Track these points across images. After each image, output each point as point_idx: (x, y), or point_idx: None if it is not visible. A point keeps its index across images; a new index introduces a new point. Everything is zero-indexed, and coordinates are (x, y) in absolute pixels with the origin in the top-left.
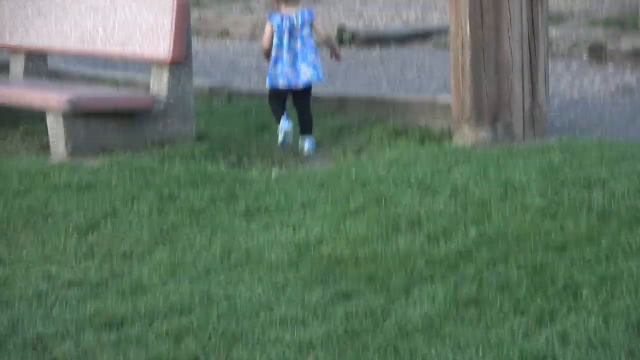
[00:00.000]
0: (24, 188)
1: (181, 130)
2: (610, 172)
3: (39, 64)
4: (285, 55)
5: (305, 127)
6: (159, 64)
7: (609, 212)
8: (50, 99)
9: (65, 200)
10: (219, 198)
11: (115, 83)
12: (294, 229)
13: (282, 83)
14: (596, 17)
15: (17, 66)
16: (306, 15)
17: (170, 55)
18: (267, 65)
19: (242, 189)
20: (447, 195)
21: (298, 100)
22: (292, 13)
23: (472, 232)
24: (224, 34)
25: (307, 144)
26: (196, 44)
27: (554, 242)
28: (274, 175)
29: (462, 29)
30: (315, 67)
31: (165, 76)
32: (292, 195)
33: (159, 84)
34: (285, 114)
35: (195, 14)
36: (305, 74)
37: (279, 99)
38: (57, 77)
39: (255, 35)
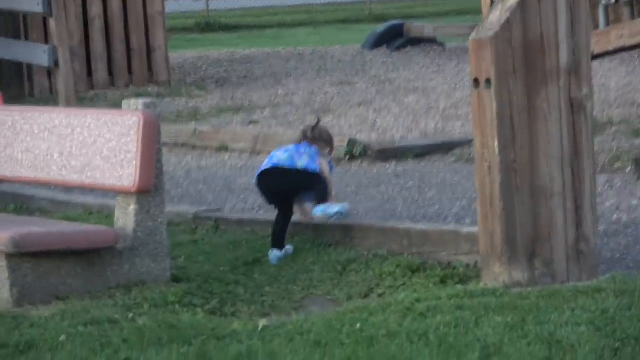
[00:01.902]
0: None
1: (152, 270)
2: None
3: None
4: None
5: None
6: (124, 193)
7: None
8: None
9: None
10: None
11: (87, 211)
12: None
13: None
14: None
15: None
16: None
17: (137, 183)
18: None
19: (217, 350)
20: (476, 357)
21: None
22: None
23: None
24: (222, 148)
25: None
26: (190, 161)
27: None
28: (260, 326)
29: (488, 149)
30: None
31: (131, 208)
32: (278, 359)
33: (124, 217)
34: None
35: (190, 128)
36: None
37: None
38: (20, 202)
39: (256, 149)
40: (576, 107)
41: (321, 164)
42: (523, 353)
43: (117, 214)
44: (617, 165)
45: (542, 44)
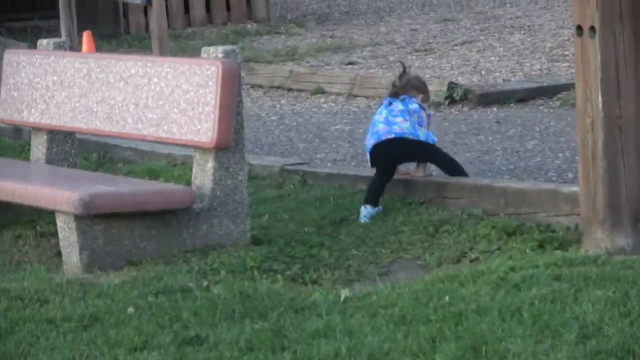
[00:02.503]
0: (9, 324)
1: (231, 232)
2: None
3: (64, 145)
4: None
5: None
6: (201, 149)
7: None
8: (59, 197)
9: (53, 345)
10: (258, 344)
11: (170, 162)
12: None
13: None
14: None
15: (38, 148)
16: None
17: (215, 138)
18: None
19: (294, 326)
20: (573, 338)
21: None
22: None
23: None
24: (318, 91)
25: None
26: (284, 104)
27: None
28: (342, 297)
29: (592, 103)
30: None
31: (209, 165)
32: (358, 338)
33: (202, 175)
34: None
35: (286, 68)
36: None
37: None
38: (103, 151)
39: (352, 92)
40: None
41: (416, 124)
42: (625, 334)
43: (195, 171)
44: None
45: None
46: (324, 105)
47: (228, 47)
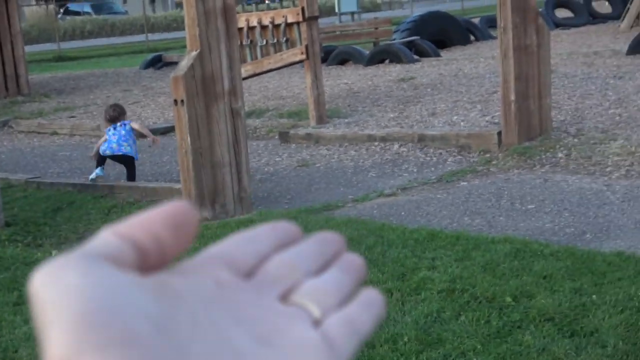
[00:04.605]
0: None
1: None
2: None
3: None
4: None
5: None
6: None
7: None
8: None
9: None
10: (1, 287)
11: None
12: None
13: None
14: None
15: None
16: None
17: None
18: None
19: (23, 276)
20: None
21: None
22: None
23: None
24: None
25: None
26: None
27: None
28: (53, 254)
29: (185, 141)
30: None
31: None
32: None
33: None
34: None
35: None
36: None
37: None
38: None
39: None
40: (235, 113)
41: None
42: None
43: None
44: (270, 135)
45: (213, 76)
46: (58, 141)
47: None
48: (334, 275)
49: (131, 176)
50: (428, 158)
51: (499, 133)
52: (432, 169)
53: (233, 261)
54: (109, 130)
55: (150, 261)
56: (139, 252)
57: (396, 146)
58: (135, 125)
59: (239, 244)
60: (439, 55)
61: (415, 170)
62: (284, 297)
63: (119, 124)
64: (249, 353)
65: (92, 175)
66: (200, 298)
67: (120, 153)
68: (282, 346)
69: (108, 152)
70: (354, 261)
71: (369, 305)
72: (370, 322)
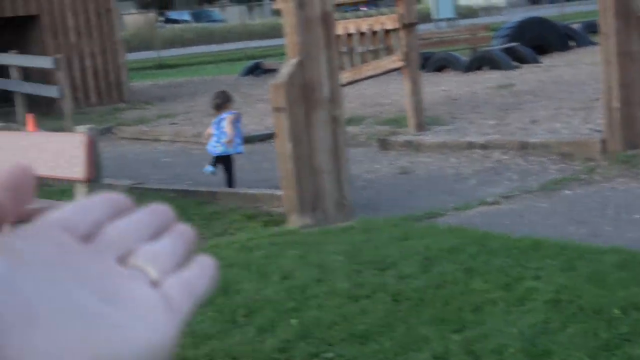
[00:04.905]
0: None
1: None
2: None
3: None
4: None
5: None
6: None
7: None
8: None
9: None
10: None
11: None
12: None
13: None
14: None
15: None
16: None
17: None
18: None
19: None
20: (277, 279)
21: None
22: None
23: None
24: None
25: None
26: (140, 147)
27: None
28: None
29: (285, 146)
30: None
31: (83, 190)
32: None
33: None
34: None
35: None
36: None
37: None
38: None
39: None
40: (335, 120)
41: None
42: (305, 277)
43: (75, 193)
44: (369, 142)
45: (313, 83)
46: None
47: (89, 125)
48: (168, 242)
49: (228, 180)
50: (530, 166)
51: (603, 141)
52: (534, 177)
53: (71, 227)
54: (213, 124)
55: None
56: None
57: (497, 154)
58: (225, 123)
59: (76, 212)
60: (538, 62)
61: (517, 178)
62: (122, 261)
63: (220, 118)
64: (93, 311)
65: (206, 169)
66: (42, 259)
67: (215, 154)
68: (124, 304)
69: (210, 150)
70: (185, 230)
71: (203, 268)
72: (205, 284)
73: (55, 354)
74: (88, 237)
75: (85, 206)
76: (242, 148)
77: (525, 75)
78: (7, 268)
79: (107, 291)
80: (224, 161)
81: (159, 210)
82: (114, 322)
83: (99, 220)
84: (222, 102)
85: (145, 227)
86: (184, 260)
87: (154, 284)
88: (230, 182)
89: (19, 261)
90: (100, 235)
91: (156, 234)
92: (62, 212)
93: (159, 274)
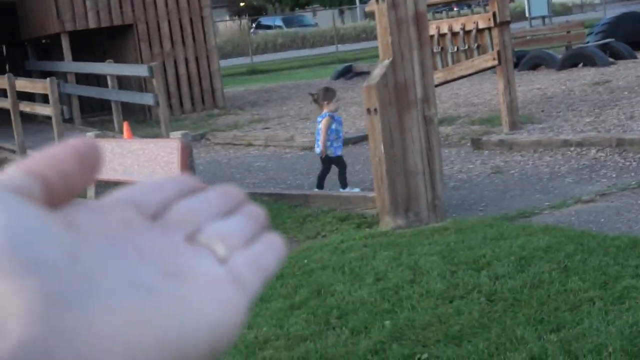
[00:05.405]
0: None
1: None
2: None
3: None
4: None
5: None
6: None
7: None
8: None
9: None
10: None
11: None
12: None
13: None
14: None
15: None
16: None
17: None
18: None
19: None
20: (370, 281)
21: None
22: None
23: None
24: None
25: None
26: (231, 153)
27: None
28: None
29: (377, 149)
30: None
31: None
32: None
33: None
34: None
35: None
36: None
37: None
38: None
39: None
40: (428, 121)
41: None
42: (398, 277)
43: None
44: (462, 142)
45: (405, 84)
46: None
47: (183, 132)
48: (237, 220)
49: (341, 180)
50: (627, 163)
51: None
52: (632, 174)
53: (140, 204)
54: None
55: (56, 196)
56: (45, 186)
57: (593, 151)
58: (320, 126)
59: (145, 190)
60: (635, 57)
61: (614, 175)
62: (190, 239)
63: (319, 118)
64: (155, 286)
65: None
66: (107, 235)
67: (318, 155)
68: (189, 280)
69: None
70: (256, 210)
71: (272, 246)
72: (274, 261)
73: (118, 329)
74: (157, 215)
75: (156, 185)
76: (339, 151)
77: (621, 72)
78: (70, 240)
79: (172, 268)
80: (329, 162)
81: (229, 191)
82: (180, 299)
83: (168, 198)
84: (318, 97)
85: (215, 206)
86: (254, 238)
87: (222, 261)
88: (341, 181)
89: (83, 235)
90: (169, 214)
91: (226, 214)
92: (132, 190)
93: (227, 251)
